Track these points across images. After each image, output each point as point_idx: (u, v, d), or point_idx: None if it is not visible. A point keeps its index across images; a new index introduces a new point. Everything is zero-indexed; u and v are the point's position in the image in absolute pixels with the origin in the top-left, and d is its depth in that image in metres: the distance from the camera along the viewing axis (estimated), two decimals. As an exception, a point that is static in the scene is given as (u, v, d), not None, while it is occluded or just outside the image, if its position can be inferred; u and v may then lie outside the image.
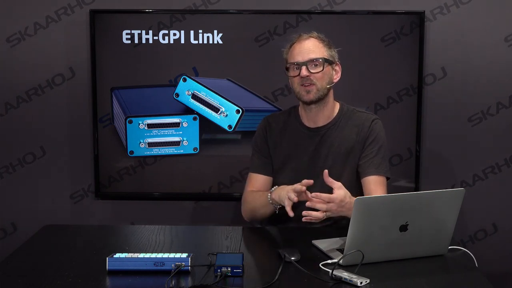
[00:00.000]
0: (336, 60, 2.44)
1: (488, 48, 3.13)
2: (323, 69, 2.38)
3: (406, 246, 1.96)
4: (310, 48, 2.39)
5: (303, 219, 2.14)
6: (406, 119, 3.12)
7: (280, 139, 2.52)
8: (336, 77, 2.45)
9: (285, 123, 2.54)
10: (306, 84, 2.37)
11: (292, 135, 2.51)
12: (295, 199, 2.17)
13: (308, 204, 2.15)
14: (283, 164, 2.50)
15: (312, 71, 2.37)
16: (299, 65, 2.37)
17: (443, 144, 3.19)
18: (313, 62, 2.37)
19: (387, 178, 2.46)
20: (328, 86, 2.41)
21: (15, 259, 2.04)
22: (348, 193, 2.19)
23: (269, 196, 2.37)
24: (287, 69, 2.43)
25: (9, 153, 3.26)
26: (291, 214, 2.19)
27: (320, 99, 2.40)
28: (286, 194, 2.21)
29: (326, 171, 2.20)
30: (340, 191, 2.16)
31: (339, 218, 2.46)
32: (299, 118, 2.52)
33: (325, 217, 2.16)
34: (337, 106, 2.51)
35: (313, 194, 2.15)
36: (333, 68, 2.43)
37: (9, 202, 3.29)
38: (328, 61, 2.39)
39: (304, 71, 2.35)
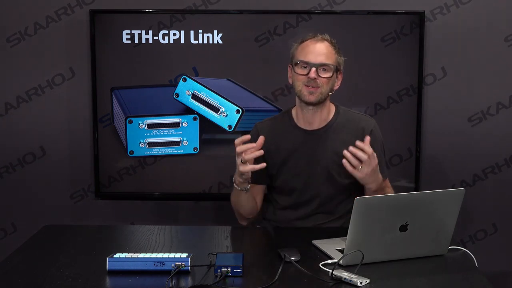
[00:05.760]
0: (341, 68, 2.43)
1: (488, 48, 3.13)
2: (331, 76, 2.36)
3: (406, 246, 1.96)
4: (323, 51, 2.37)
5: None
6: (406, 119, 3.11)
7: (274, 144, 2.48)
8: (337, 85, 2.44)
9: (278, 127, 2.51)
10: (312, 86, 2.36)
11: (288, 139, 2.49)
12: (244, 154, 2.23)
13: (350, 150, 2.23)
14: (280, 168, 2.48)
15: (321, 75, 2.34)
16: (309, 65, 2.35)
17: (443, 144, 3.19)
18: (324, 66, 2.35)
19: None
20: (330, 93, 2.40)
21: (15, 259, 2.04)
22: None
23: (235, 185, 2.37)
24: (295, 64, 2.39)
25: (9, 153, 3.26)
26: (259, 166, 2.24)
27: (320, 103, 2.40)
28: (238, 166, 2.26)
29: (368, 137, 2.25)
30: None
31: (339, 217, 2.47)
32: (294, 121, 2.50)
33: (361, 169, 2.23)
34: (333, 108, 2.49)
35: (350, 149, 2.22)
36: (336, 76, 2.42)
37: (9, 202, 3.29)
38: (336, 69, 2.39)
39: (313, 73, 2.33)
